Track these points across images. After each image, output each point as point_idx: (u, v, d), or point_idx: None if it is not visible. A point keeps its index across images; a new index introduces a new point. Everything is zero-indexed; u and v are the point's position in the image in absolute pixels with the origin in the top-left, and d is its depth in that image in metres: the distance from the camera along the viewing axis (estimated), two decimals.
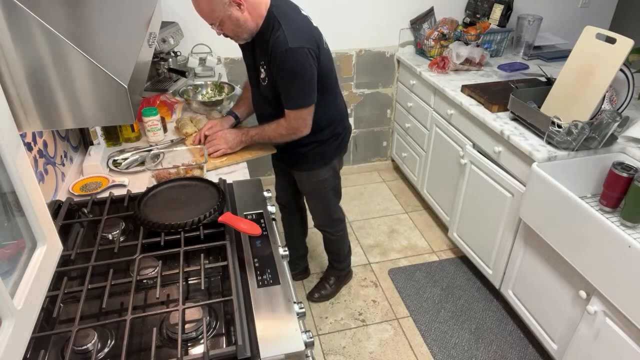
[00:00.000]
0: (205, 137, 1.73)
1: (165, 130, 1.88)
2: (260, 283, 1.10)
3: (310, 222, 2.16)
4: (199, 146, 1.68)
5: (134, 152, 1.71)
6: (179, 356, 0.88)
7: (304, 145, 1.74)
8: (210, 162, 1.64)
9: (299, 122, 1.61)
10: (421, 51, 2.85)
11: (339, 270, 2.27)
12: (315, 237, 2.67)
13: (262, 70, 1.59)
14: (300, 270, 2.38)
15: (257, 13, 1.50)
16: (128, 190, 1.43)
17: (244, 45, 1.66)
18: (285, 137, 1.66)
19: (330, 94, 1.71)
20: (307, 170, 1.87)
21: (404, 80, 2.91)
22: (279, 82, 1.54)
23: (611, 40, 1.68)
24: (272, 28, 1.49)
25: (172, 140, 1.81)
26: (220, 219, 1.21)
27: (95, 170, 1.58)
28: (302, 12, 1.59)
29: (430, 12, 2.84)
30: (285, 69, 1.49)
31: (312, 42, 1.51)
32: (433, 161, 2.65)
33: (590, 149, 1.75)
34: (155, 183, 1.42)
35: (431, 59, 2.68)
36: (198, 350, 0.95)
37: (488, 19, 2.77)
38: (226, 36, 1.56)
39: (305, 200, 2.14)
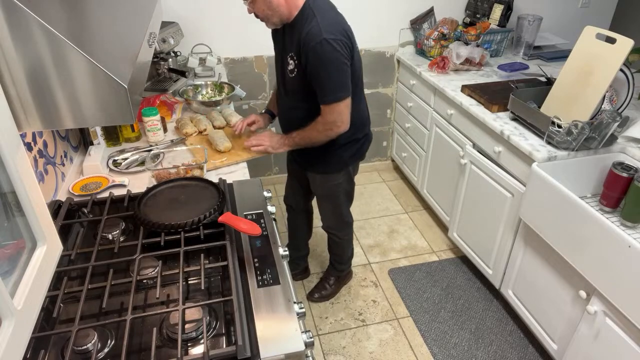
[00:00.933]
0: (249, 131, 1.81)
1: (165, 130, 1.88)
2: (260, 283, 1.10)
3: (317, 222, 2.17)
4: (198, 146, 1.68)
5: (134, 152, 1.71)
6: (179, 356, 0.88)
7: (320, 147, 1.70)
8: (210, 162, 1.64)
9: (334, 116, 1.56)
10: (421, 51, 2.85)
11: (339, 271, 2.27)
12: (315, 237, 2.67)
13: (291, 62, 1.56)
14: (300, 270, 2.37)
15: (293, 2, 1.49)
16: (128, 190, 1.43)
17: (275, 36, 1.66)
18: (323, 134, 1.61)
19: (356, 96, 1.66)
20: (322, 173, 1.85)
21: (404, 80, 2.91)
22: (312, 76, 1.51)
23: (611, 40, 1.68)
24: (306, 19, 1.48)
25: (172, 140, 1.81)
26: (220, 219, 1.21)
27: (95, 170, 1.58)
28: (338, 11, 1.58)
29: (430, 12, 2.84)
30: (319, 60, 1.46)
31: (347, 37, 1.50)
32: (433, 161, 2.65)
33: (590, 149, 1.75)
34: (155, 183, 1.42)
35: (431, 59, 2.68)
36: (198, 350, 0.95)
37: (488, 19, 2.77)
38: (256, 16, 1.53)
39: (316, 202, 2.11)
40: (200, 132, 1.86)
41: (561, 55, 2.68)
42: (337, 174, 1.84)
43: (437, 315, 2.18)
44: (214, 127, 1.89)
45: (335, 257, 2.24)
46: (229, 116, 1.93)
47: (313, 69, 1.49)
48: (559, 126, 1.72)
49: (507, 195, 1.95)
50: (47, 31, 0.66)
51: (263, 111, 1.91)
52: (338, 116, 1.56)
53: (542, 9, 2.88)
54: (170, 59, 2.31)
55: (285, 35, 1.57)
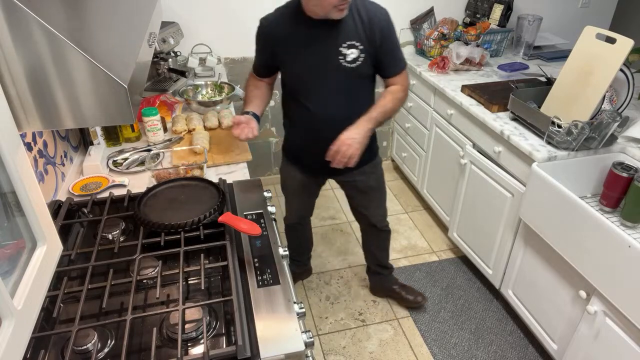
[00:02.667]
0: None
1: (165, 130, 1.88)
2: (260, 283, 1.10)
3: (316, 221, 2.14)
4: (198, 146, 1.68)
5: (134, 152, 1.71)
6: (179, 356, 0.88)
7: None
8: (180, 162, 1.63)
9: (407, 80, 1.63)
10: (421, 51, 2.85)
11: (392, 268, 2.24)
12: (315, 237, 2.68)
13: (352, 50, 1.50)
14: (307, 268, 2.36)
15: None
16: (128, 190, 1.43)
17: (291, 39, 1.54)
18: (403, 100, 1.63)
19: None
20: (370, 161, 1.78)
21: None
22: (388, 49, 1.54)
23: (611, 40, 1.68)
24: (353, 5, 1.49)
25: (171, 140, 1.81)
26: (220, 219, 1.21)
27: (95, 170, 1.58)
28: None
29: (430, 12, 2.84)
30: (392, 30, 1.53)
31: None
32: (433, 161, 2.65)
33: (590, 149, 1.75)
34: (155, 183, 1.42)
35: (431, 59, 2.68)
36: (198, 350, 0.95)
37: (488, 19, 2.77)
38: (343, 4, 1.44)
39: (362, 205, 1.95)
40: (189, 131, 1.87)
41: (561, 55, 2.68)
42: (378, 152, 1.82)
43: (437, 315, 2.18)
44: (205, 128, 1.89)
45: (386, 254, 2.16)
46: (223, 117, 1.93)
47: (389, 41, 1.53)
48: (559, 126, 1.72)
49: (507, 195, 1.95)
50: (47, 31, 0.66)
51: (248, 113, 1.63)
52: (408, 80, 1.65)
53: (542, 9, 2.88)
54: (170, 59, 2.31)
55: (331, 29, 1.49)
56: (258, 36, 1.62)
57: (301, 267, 2.33)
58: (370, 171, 1.81)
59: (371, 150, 1.75)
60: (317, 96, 1.59)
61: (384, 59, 1.55)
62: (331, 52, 1.52)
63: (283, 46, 1.57)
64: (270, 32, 1.58)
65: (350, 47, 1.51)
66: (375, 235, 2.08)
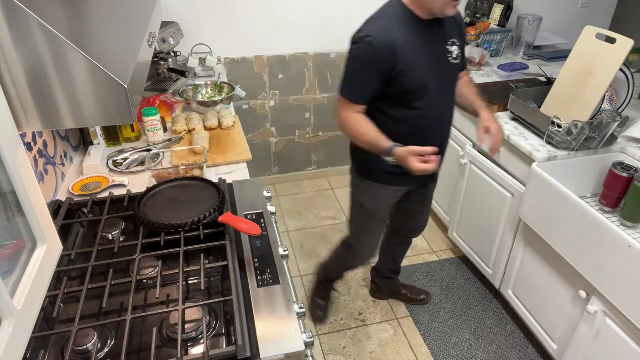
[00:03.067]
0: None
1: (165, 130, 1.88)
2: (260, 283, 1.10)
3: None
4: (198, 146, 1.68)
5: (134, 152, 1.71)
6: (179, 356, 0.88)
7: None
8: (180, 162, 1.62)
9: None
10: None
11: (399, 273, 2.24)
12: (315, 237, 2.68)
13: (455, 48, 1.48)
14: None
15: None
16: (128, 190, 1.43)
17: (412, 50, 1.38)
18: None
19: None
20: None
21: None
22: (464, 45, 1.59)
23: (611, 40, 1.68)
24: None
25: (171, 140, 1.81)
26: (220, 219, 1.21)
27: (95, 170, 1.58)
28: None
29: None
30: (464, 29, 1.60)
31: None
32: None
33: (590, 149, 1.75)
34: (155, 183, 1.42)
35: None
36: (198, 350, 0.95)
37: (488, 19, 2.77)
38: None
39: (419, 211, 1.91)
40: (189, 131, 1.87)
41: (561, 55, 2.68)
42: None
43: (437, 315, 2.17)
44: (205, 128, 1.89)
45: (402, 260, 2.18)
46: (223, 117, 1.93)
47: (465, 34, 1.60)
48: (559, 126, 1.72)
49: (507, 195, 1.95)
50: (47, 31, 0.66)
51: (390, 147, 1.39)
52: None
53: (542, 9, 2.88)
54: (170, 59, 2.31)
55: (441, 27, 1.45)
56: (369, 57, 1.36)
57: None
58: (437, 175, 1.78)
59: None
60: (432, 99, 1.47)
61: (464, 53, 1.59)
62: (442, 51, 1.47)
63: (402, 57, 1.36)
64: (388, 47, 1.35)
65: (452, 44, 1.48)
66: (405, 244, 2.09)
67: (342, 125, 1.49)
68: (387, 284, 2.22)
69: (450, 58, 1.48)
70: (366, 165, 1.65)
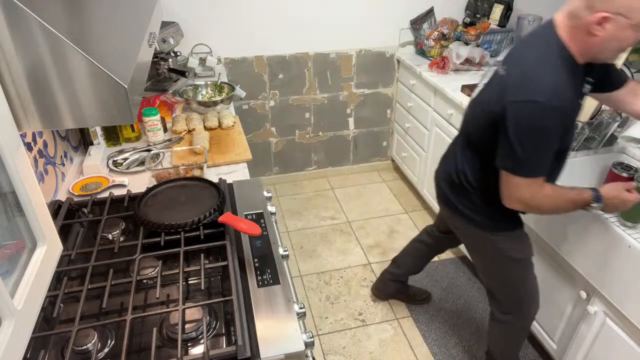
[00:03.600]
0: None
1: (165, 130, 1.88)
2: (260, 283, 1.10)
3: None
4: (198, 146, 1.68)
5: (134, 152, 1.71)
6: (179, 356, 0.88)
7: None
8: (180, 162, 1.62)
9: None
10: (421, 51, 2.85)
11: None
12: (315, 237, 2.68)
13: (587, 87, 1.31)
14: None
15: None
16: (128, 190, 1.43)
17: (580, 95, 1.27)
18: None
19: None
20: None
21: (404, 80, 2.91)
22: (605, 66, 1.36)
23: None
24: None
25: (171, 140, 1.81)
26: (220, 219, 1.21)
27: (95, 170, 1.58)
28: None
29: (430, 12, 2.84)
30: None
31: None
32: (433, 161, 2.65)
33: (590, 149, 1.75)
34: (155, 183, 1.42)
35: (431, 59, 2.68)
36: (198, 350, 0.95)
37: (488, 19, 2.77)
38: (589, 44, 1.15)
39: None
40: (189, 131, 1.87)
41: None
42: None
43: (437, 315, 2.17)
44: (205, 128, 1.89)
45: None
46: (223, 117, 1.93)
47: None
48: None
49: None
50: (47, 31, 0.66)
51: (596, 193, 1.28)
52: None
53: (542, 9, 2.88)
54: (170, 59, 2.31)
55: (590, 69, 1.27)
56: (559, 119, 1.17)
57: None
58: None
59: None
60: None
61: None
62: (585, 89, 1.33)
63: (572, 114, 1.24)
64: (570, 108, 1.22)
65: (586, 82, 1.30)
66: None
67: (543, 206, 1.30)
68: (392, 285, 2.21)
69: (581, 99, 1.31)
70: (499, 216, 1.44)
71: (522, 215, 1.48)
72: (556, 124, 1.16)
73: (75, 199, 1.39)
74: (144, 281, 1.12)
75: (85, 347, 0.92)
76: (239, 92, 2.22)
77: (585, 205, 1.28)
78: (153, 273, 1.12)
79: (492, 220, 1.46)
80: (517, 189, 1.26)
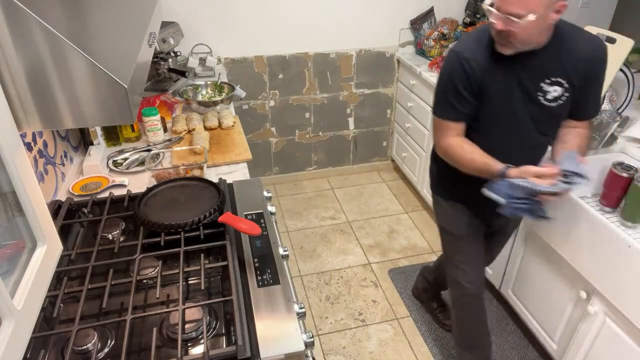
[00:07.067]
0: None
1: (165, 130, 1.88)
2: (260, 283, 1.10)
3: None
4: (198, 146, 1.68)
5: (134, 152, 1.71)
6: (179, 356, 0.88)
7: None
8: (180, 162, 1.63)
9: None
10: (421, 51, 2.85)
11: (441, 288, 2.14)
12: (315, 237, 2.67)
13: (555, 88, 1.31)
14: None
15: (550, 27, 1.27)
16: (128, 190, 1.43)
17: (493, 75, 1.31)
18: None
19: None
20: None
21: (404, 80, 2.91)
22: (594, 88, 1.35)
23: (611, 40, 1.67)
24: (568, 35, 1.31)
25: (171, 140, 1.81)
26: (220, 219, 1.21)
27: (95, 170, 1.58)
28: None
29: (430, 12, 2.84)
30: (604, 70, 1.33)
31: None
32: None
33: (591, 149, 1.75)
34: (155, 183, 1.42)
35: (431, 59, 2.68)
36: (198, 350, 0.95)
37: (488, 19, 2.77)
38: (501, 33, 1.23)
39: (490, 248, 1.79)
40: (189, 131, 1.87)
41: None
42: None
43: None
44: (205, 128, 1.89)
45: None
46: (223, 117, 1.93)
47: (597, 81, 1.35)
48: None
49: None
50: (47, 31, 0.66)
51: (504, 169, 1.31)
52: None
53: None
54: (170, 59, 2.31)
55: (530, 64, 1.30)
56: (456, 70, 1.32)
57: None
58: (514, 221, 1.72)
59: None
60: (518, 131, 1.41)
61: (586, 99, 1.36)
62: (533, 87, 1.33)
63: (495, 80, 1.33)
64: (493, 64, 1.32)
65: (554, 83, 1.32)
66: None
67: (448, 154, 1.43)
68: (422, 287, 2.20)
69: (538, 99, 1.33)
70: (441, 180, 1.63)
71: (465, 194, 1.53)
72: (451, 73, 1.32)
73: (75, 199, 1.39)
74: (144, 281, 1.12)
75: (85, 347, 0.92)
76: (239, 92, 2.22)
77: (490, 176, 1.34)
78: (153, 273, 1.12)
79: (435, 181, 1.65)
80: (433, 128, 1.47)
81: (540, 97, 1.33)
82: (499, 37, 1.25)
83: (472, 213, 1.58)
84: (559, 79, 1.31)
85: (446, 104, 1.38)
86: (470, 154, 1.38)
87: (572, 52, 1.29)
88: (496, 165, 1.32)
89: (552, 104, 1.34)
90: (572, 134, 1.40)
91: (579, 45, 1.30)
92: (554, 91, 1.32)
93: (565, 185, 1.25)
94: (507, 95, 1.33)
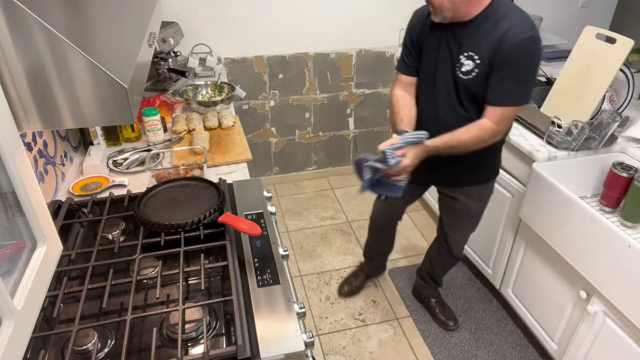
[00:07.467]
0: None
1: (165, 130, 1.88)
2: (260, 283, 1.10)
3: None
4: (198, 146, 1.68)
5: (134, 152, 1.71)
6: (179, 356, 0.88)
7: (486, 152, 1.49)
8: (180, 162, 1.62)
9: (507, 122, 1.42)
10: None
11: (440, 284, 2.18)
12: (315, 237, 2.68)
13: (469, 62, 1.38)
14: (381, 270, 2.37)
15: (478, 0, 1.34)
16: (128, 190, 1.43)
17: (429, 34, 1.46)
18: (485, 142, 1.42)
19: None
20: (482, 182, 1.66)
21: None
22: (502, 74, 1.35)
23: (611, 40, 1.68)
24: (502, 15, 1.34)
25: (171, 140, 1.81)
26: (220, 219, 1.21)
27: (95, 170, 1.58)
28: None
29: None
30: (522, 59, 1.32)
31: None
32: None
33: (590, 149, 1.75)
34: (155, 183, 1.42)
35: None
36: (198, 350, 0.95)
37: None
38: (427, 2, 1.37)
39: (450, 225, 1.87)
40: (189, 131, 1.87)
41: (561, 55, 2.67)
42: (493, 179, 1.69)
43: None
44: (205, 128, 1.89)
45: (443, 273, 2.11)
46: (223, 117, 1.93)
47: (512, 65, 1.33)
48: (559, 126, 1.72)
49: (507, 195, 1.95)
50: (47, 31, 0.66)
51: (397, 133, 1.47)
52: (508, 122, 1.43)
53: (542, 9, 2.88)
54: (170, 59, 2.31)
55: (458, 34, 1.40)
56: (408, 26, 1.59)
57: (377, 270, 2.34)
58: (475, 196, 1.71)
59: (485, 171, 1.65)
60: (436, 98, 1.52)
61: (496, 84, 1.38)
62: (454, 57, 1.42)
63: (427, 43, 1.50)
64: (429, 31, 1.48)
65: (469, 57, 1.39)
66: (445, 257, 2.01)
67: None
68: (420, 287, 2.21)
69: (457, 70, 1.42)
70: None
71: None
72: (406, 28, 1.60)
73: (75, 199, 1.38)
74: (144, 281, 1.12)
75: (85, 347, 0.92)
76: (239, 92, 2.22)
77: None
78: (153, 273, 1.12)
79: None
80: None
81: (457, 68, 1.42)
82: (428, 4, 1.38)
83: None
84: (473, 54, 1.38)
85: (400, 57, 1.61)
86: (394, 108, 1.56)
87: (492, 32, 1.33)
88: (396, 126, 1.50)
89: (465, 77, 1.41)
90: (470, 124, 1.43)
91: (501, 28, 1.32)
92: (467, 65, 1.40)
93: (376, 164, 1.37)
94: (434, 60, 1.47)
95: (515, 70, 1.34)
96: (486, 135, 1.41)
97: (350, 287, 2.29)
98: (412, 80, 1.56)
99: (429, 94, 1.52)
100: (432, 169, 1.52)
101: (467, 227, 1.86)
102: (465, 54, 1.39)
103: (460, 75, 1.41)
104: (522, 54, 1.32)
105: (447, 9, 1.34)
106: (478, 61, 1.37)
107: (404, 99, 1.56)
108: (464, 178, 1.64)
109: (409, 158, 1.38)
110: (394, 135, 1.44)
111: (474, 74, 1.39)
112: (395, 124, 1.53)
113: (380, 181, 1.44)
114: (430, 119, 1.52)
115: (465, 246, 2.35)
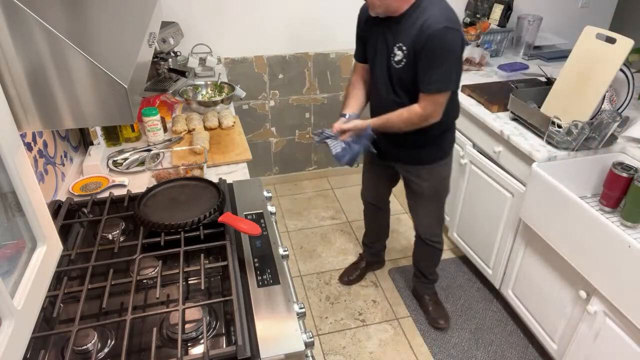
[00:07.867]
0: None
1: (165, 130, 1.88)
2: (260, 283, 1.10)
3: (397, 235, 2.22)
4: (198, 146, 1.68)
5: (134, 152, 1.71)
6: (179, 356, 0.88)
7: (428, 134, 1.65)
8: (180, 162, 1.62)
9: (435, 107, 1.55)
10: None
11: (434, 280, 2.20)
12: (315, 237, 2.68)
13: (399, 52, 1.53)
14: (379, 259, 2.43)
15: None
16: (128, 190, 1.43)
17: (373, 29, 1.63)
18: (415, 125, 1.59)
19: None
20: (430, 162, 1.78)
21: None
22: (423, 63, 1.49)
23: (611, 40, 1.67)
24: (422, 10, 1.47)
25: (171, 140, 1.81)
26: (220, 219, 1.21)
27: (95, 170, 1.58)
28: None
29: None
30: (438, 47, 1.45)
31: (461, 28, 1.49)
32: None
33: (590, 149, 1.75)
34: (155, 183, 1.42)
35: None
36: (198, 350, 0.95)
37: (488, 19, 2.77)
38: None
39: (411, 208, 2.01)
40: (189, 131, 1.87)
41: (561, 55, 2.67)
42: (443, 161, 1.79)
43: None
44: (205, 128, 1.89)
45: (427, 264, 2.15)
46: (223, 117, 1.93)
47: (426, 57, 1.47)
48: (559, 126, 1.72)
49: (507, 195, 1.95)
50: (47, 31, 0.66)
51: (345, 115, 1.72)
52: (438, 107, 1.56)
53: (542, 9, 2.88)
54: (170, 59, 2.31)
55: (392, 27, 1.55)
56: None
57: (374, 257, 2.40)
58: (425, 177, 1.81)
59: (427, 154, 1.76)
60: (378, 87, 1.71)
61: (421, 72, 1.52)
62: (389, 48, 1.58)
63: (369, 36, 1.67)
64: (371, 24, 1.65)
65: (399, 48, 1.54)
66: (419, 244, 2.07)
67: None
68: (415, 283, 2.25)
69: (392, 60, 1.58)
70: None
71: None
72: (357, 22, 1.75)
73: (75, 199, 1.39)
74: (144, 281, 1.12)
75: (85, 347, 0.92)
76: (239, 92, 2.22)
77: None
78: (153, 273, 1.12)
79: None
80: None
81: (391, 58, 1.58)
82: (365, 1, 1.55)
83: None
84: (402, 45, 1.53)
85: (356, 46, 1.79)
86: (346, 91, 1.84)
87: (415, 24, 1.48)
88: (343, 110, 1.74)
89: (397, 66, 1.57)
90: (403, 109, 1.61)
91: (422, 20, 1.46)
92: (398, 55, 1.55)
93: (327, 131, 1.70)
94: (374, 50, 1.65)
95: (433, 59, 1.48)
96: (415, 118, 1.58)
97: (351, 275, 2.35)
98: (366, 66, 1.76)
99: (373, 80, 1.73)
100: (390, 144, 1.78)
101: (426, 208, 1.94)
102: (397, 45, 1.55)
103: (394, 64, 1.58)
104: (437, 43, 1.45)
105: (377, 5, 1.51)
106: (406, 51, 1.53)
107: (356, 84, 1.81)
108: (412, 155, 1.79)
109: (353, 122, 1.67)
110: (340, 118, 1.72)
111: (403, 63, 1.55)
112: (342, 108, 1.79)
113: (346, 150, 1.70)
114: (375, 101, 1.78)
115: (466, 246, 2.36)
